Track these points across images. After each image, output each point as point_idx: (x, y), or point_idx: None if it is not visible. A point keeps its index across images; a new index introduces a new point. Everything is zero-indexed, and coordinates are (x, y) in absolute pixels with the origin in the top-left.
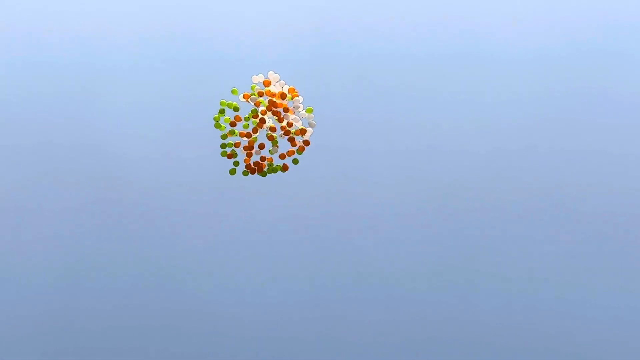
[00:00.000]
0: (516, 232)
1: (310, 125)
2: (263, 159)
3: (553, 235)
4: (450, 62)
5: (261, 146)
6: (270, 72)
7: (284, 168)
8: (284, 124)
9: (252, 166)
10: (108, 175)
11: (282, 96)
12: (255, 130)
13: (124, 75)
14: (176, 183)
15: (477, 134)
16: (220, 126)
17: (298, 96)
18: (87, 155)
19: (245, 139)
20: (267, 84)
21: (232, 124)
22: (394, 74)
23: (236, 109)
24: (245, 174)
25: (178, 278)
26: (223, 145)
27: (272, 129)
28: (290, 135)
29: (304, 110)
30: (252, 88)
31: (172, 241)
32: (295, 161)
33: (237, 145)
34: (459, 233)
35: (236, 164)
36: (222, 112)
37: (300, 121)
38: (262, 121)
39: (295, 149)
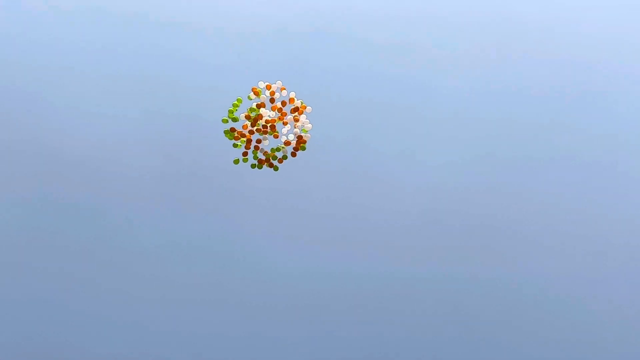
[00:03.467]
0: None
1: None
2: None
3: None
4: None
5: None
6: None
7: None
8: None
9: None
10: (52, 174)
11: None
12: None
13: (77, 74)
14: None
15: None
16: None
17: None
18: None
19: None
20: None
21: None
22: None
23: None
24: (253, 166)
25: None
26: (234, 119)
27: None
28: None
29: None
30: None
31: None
32: (302, 148)
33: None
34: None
35: (239, 147)
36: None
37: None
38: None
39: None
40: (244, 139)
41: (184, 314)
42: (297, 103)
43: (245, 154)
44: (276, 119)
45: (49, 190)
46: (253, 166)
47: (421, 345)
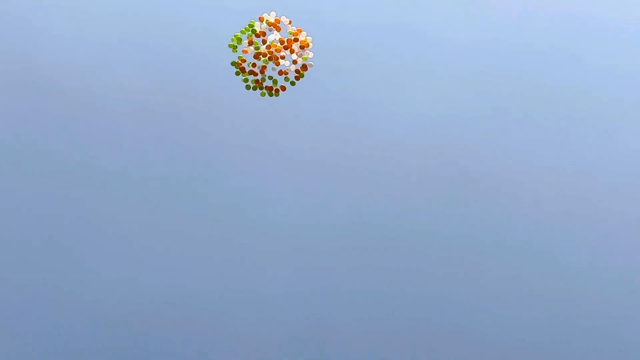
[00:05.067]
0: None
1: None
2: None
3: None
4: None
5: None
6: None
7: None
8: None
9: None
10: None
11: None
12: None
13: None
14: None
15: None
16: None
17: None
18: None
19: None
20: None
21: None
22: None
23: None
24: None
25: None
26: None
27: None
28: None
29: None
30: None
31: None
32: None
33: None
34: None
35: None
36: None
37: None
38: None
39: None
40: (248, 73)
41: (167, 253)
42: (302, 36)
43: (255, 73)
44: (280, 47)
45: (29, 124)
46: (248, 87)
47: (398, 287)
